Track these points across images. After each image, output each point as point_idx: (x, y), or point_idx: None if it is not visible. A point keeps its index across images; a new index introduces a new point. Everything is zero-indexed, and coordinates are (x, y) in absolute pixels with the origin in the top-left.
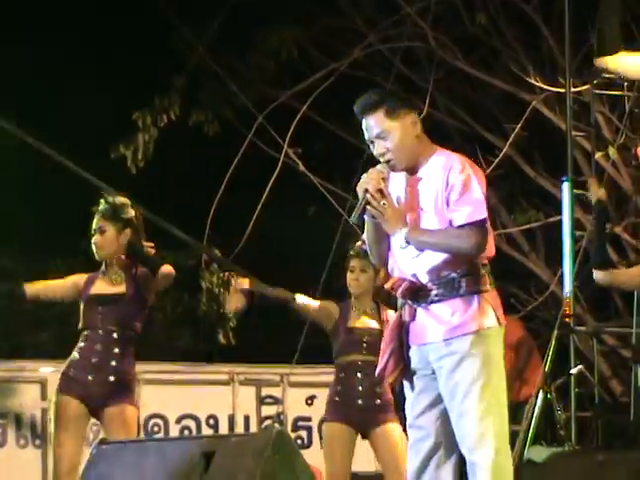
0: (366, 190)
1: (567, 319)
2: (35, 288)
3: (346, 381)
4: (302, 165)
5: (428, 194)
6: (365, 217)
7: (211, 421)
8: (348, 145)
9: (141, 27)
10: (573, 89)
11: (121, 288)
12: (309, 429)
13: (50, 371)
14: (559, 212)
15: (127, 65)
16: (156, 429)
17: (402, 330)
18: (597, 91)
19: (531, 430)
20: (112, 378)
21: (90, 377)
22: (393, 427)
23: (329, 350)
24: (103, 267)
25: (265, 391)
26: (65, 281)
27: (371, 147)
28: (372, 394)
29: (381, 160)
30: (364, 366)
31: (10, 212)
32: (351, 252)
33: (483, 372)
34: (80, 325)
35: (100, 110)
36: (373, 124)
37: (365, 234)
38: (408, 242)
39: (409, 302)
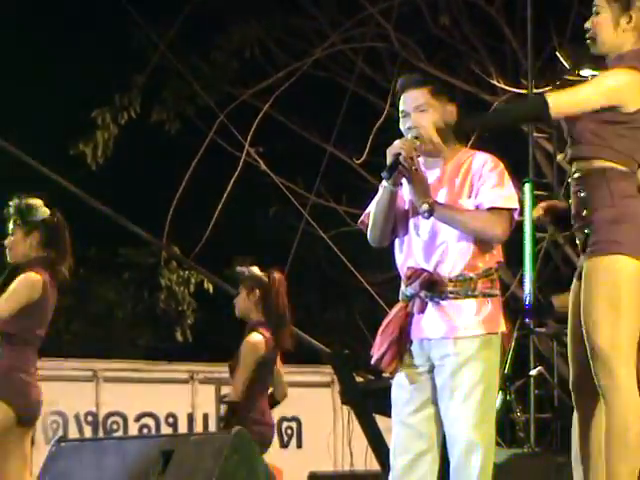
0: (398, 154)
1: (527, 320)
2: None
3: None
4: (263, 164)
5: (451, 186)
6: (384, 183)
7: (170, 419)
8: (310, 145)
9: (103, 24)
10: (535, 90)
11: None
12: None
13: None
14: (520, 213)
15: (88, 62)
16: (115, 427)
17: (406, 322)
18: None
19: None
20: None
21: None
22: None
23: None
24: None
25: (225, 390)
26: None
27: (401, 121)
28: None
29: (410, 135)
30: None
31: None
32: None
33: (485, 377)
34: None
35: (60, 107)
36: (416, 96)
37: (375, 205)
38: (431, 214)
39: (421, 295)
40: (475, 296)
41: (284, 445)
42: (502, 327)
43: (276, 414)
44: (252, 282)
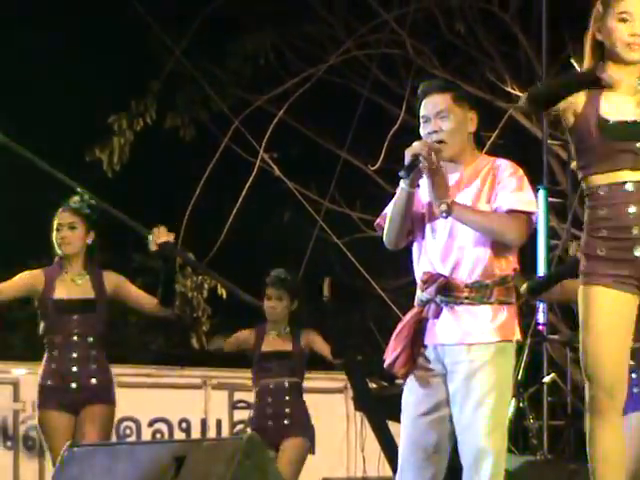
0: (417, 155)
1: (541, 327)
2: None
3: (258, 405)
4: (277, 170)
5: (469, 191)
6: (402, 185)
7: (183, 425)
8: (324, 151)
9: (118, 30)
10: None
11: (90, 293)
12: None
13: (23, 373)
14: None
15: (103, 68)
16: (128, 432)
17: (419, 327)
18: None
19: None
20: (94, 381)
21: (73, 385)
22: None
23: None
24: (61, 266)
25: (237, 395)
26: (16, 281)
27: (422, 126)
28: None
29: (432, 139)
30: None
31: None
32: (267, 280)
33: (498, 385)
34: (46, 330)
35: (76, 113)
36: (438, 102)
37: (392, 206)
38: (449, 213)
39: (437, 300)
40: (491, 303)
41: None
42: (517, 335)
43: None
44: (295, 290)
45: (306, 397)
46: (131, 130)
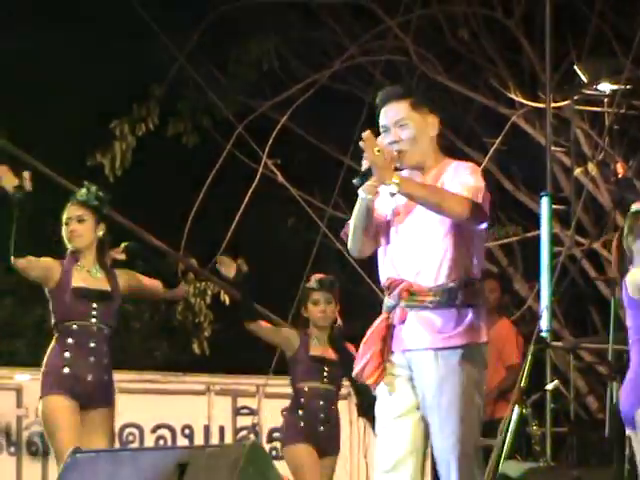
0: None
1: (544, 334)
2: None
3: (307, 407)
4: (280, 176)
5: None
6: (361, 194)
7: (186, 431)
8: (328, 157)
9: (121, 35)
10: (553, 104)
11: (105, 285)
12: None
13: (26, 379)
14: (537, 227)
15: (106, 73)
16: (131, 438)
17: (387, 333)
18: (577, 107)
19: (506, 445)
20: (106, 377)
21: (89, 377)
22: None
23: None
24: (75, 258)
25: (241, 402)
26: (40, 261)
27: (382, 135)
28: (331, 423)
29: (393, 148)
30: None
31: None
32: (313, 285)
33: (467, 390)
34: (62, 316)
35: (78, 118)
36: (396, 111)
37: (353, 215)
38: (400, 190)
39: (402, 305)
40: (457, 306)
41: None
42: (483, 338)
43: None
44: (337, 295)
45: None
46: (133, 135)
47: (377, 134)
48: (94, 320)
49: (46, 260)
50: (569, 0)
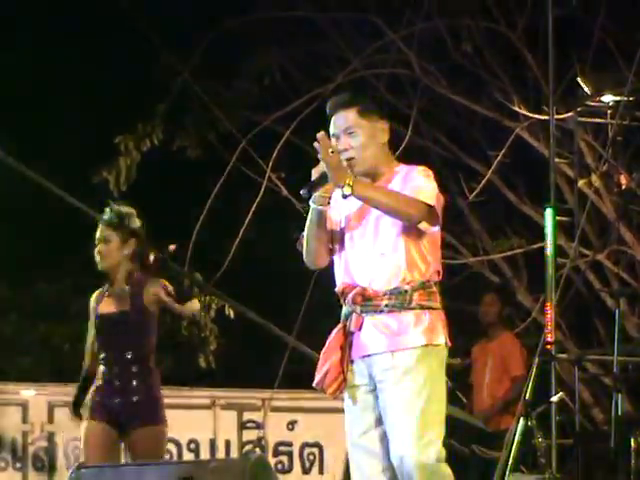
0: (323, 174)
1: (549, 346)
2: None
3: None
4: (285, 190)
5: None
6: (311, 203)
7: (192, 445)
8: None
9: (125, 51)
10: (556, 116)
11: (126, 306)
12: (290, 454)
13: (32, 394)
14: (542, 239)
15: (110, 89)
16: None
17: (345, 341)
18: (580, 119)
19: (511, 457)
20: (135, 398)
21: (116, 400)
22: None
23: (310, 375)
24: (108, 280)
25: (246, 416)
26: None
27: (333, 142)
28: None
29: (343, 157)
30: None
31: None
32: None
33: (425, 390)
34: (96, 348)
35: (83, 134)
36: (344, 119)
37: (306, 226)
38: (353, 192)
39: (357, 311)
40: (412, 308)
41: (306, 471)
42: (440, 339)
43: (297, 440)
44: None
45: (315, 417)
46: (138, 150)
47: None
48: (115, 347)
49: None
50: (572, 13)
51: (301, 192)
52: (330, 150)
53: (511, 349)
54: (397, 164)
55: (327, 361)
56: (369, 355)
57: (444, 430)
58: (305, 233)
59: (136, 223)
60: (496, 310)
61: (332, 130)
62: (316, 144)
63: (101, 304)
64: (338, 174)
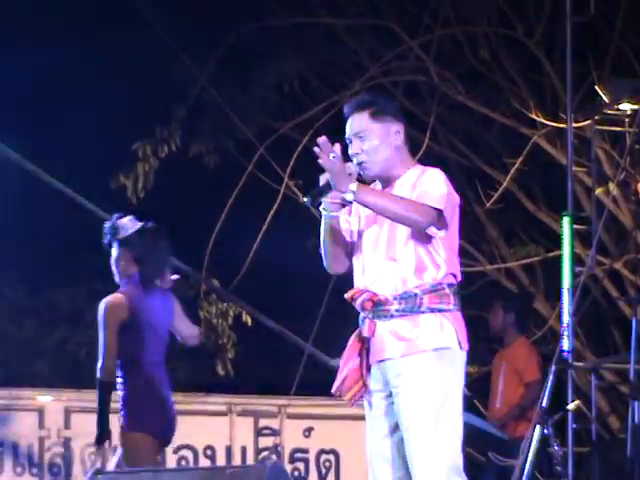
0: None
1: (565, 354)
2: None
3: None
4: (302, 197)
5: None
6: (322, 210)
7: (208, 452)
8: None
9: (143, 57)
10: (574, 124)
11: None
12: (306, 461)
13: (48, 400)
14: (559, 247)
15: (128, 95)
16: None
17: (362, 347)
18: (598, 127)
19: (527, 465)
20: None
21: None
22: None
23: (327, 382)
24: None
25: (263, 422)
26: None
27: (349, 146)
28: None
29: (354, 161)
30: None
31: (10, 240)
32: None
33: (437, 394)
34: None
35: (101, 140)
36: (356, 122)
37: (321, 233)
38: (356, 198)
39: (370, 316)
40: (422, 312)
41: (322, 478)
42: (452, 342)
43: (314, 447)
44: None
45: (331, 424)
46: (155, 157)
47: None
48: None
49: None
50: (590, 20)
51: (304, 200)
52: (332, 155)
53: (524, 355)
54: (412, 166)
55: (345, 367)
56: (383, 360)
57: (460, 437)
58: (321, 239)
59: (128, 231)
60: (499, 319)
61: (347, 133)
62: (316, 149)
63: None
64: (339, 180)
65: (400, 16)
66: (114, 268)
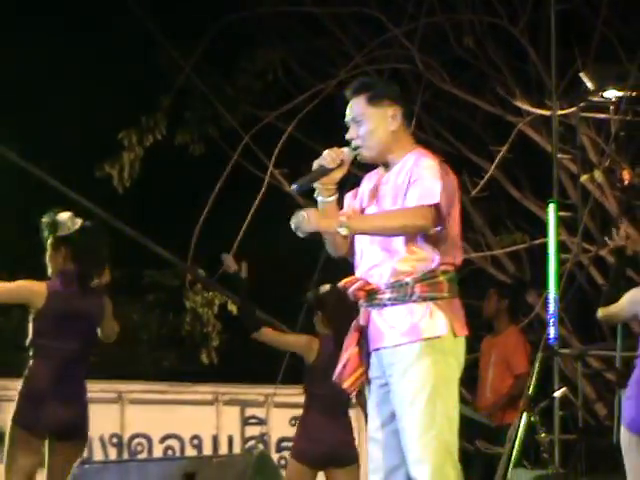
0: (321, 165)
1: (551, 341)
2: None
3: None
4: (287, 185)
5: (389, 192)
6: (319, 198)
7: (195, 441)
8: None
9: (127, 46)
10: (559, 112)
11: None
12: None
13: None
14: (544, 234)
15: (113, 84)
16: (140, 448)
17: (361, 335)
18: (583, 114)
19: (514, 452)
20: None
21: None
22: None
23: None
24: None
25: (249, 411)
26: None
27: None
28: None
29: (351, 145)
30: None
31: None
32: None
33: (428, 383)
34: None
35: (85, 129)
36: (354, 107)
37: None
38: (352, 231)
39: (364, 305)
40: (414, 301)
41: None
42: (443, 330)
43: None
44: (316, 305)
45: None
46: (141, 146)
47: None
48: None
49: None
50: (574, 7)
51: (293, 187)
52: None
53: (515, 345)
54: (412, 149)
55: (344, 354)
56: (378, 349)
57: (455, 426)
58: None
59: (66, 229)
60: (493, 305)
61: (346, 118)
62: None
63: None
64: (328, 222)
65: (385, 4)
66: (49, 264)
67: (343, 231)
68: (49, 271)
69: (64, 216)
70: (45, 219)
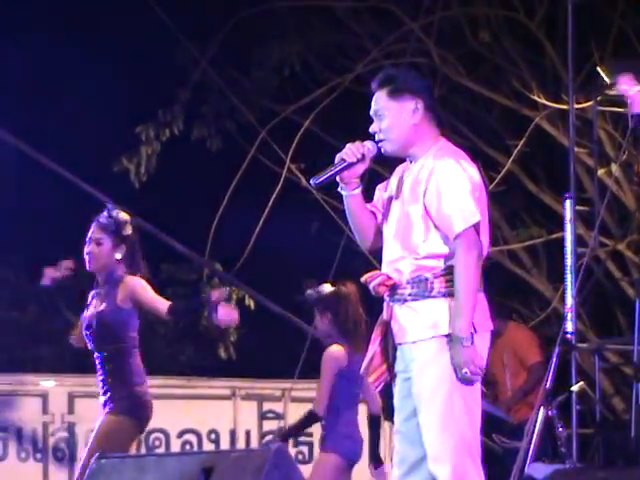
0: (342, 159)
1: (569, 336)
2: None
3: None
4: (305, 180)
5: (409, 184)
6: (342, 192)
7: (212, 436)
8: None
9: (145, 41)
10: (576, 106)
11: (100, 307)
12: (310, 444)
13: (52, 385)
14: (561, 228)
15: (130, 78)
16: (157, 443)
17: (386, 330)
18: (600, 108)
19: (532, 447)
20: (109, 394)
21: (101, 399)
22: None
23: None
24: (96, 281)
25: (267, 406)
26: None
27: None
28: None
29: (376, 138)
30: None
31: (12, 225)
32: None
33: (447, 379)
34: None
35: (103, 123)
36: (376, 100)
37: (347, 214)
38: (471, 341)
39: (387, 300)
40: (433, 297)
41: None
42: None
43: (318, 430)
44: (321, 304)
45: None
46: (158, 140)
47: None
48: (93, 347)
49: None
50: (591, 1)
51: (311, 181)
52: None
53: (521, 339)
54: (436, 141)
55: (371, 348)
56: (400, 344)
57: (476, 422)
58: (348, 217)
59: (128, 231)
60: None
61: (371, 111)
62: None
63: (88, 308)
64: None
65: None
66: (98, 260)
67: (466, 342)
68: (96, 264)
69: (127, 216)
70: (112, 213)
